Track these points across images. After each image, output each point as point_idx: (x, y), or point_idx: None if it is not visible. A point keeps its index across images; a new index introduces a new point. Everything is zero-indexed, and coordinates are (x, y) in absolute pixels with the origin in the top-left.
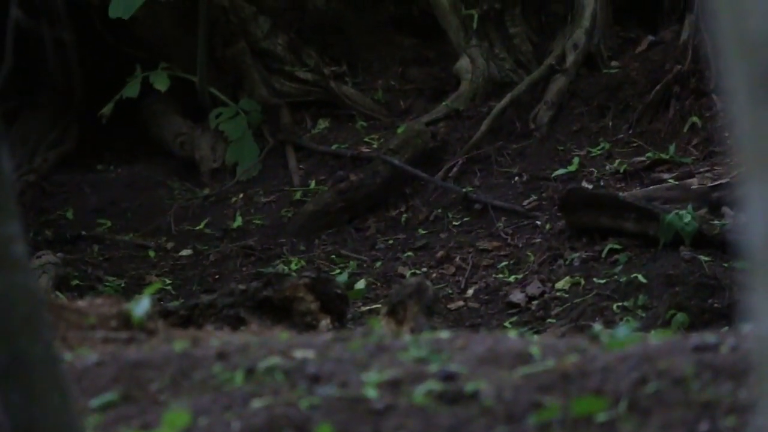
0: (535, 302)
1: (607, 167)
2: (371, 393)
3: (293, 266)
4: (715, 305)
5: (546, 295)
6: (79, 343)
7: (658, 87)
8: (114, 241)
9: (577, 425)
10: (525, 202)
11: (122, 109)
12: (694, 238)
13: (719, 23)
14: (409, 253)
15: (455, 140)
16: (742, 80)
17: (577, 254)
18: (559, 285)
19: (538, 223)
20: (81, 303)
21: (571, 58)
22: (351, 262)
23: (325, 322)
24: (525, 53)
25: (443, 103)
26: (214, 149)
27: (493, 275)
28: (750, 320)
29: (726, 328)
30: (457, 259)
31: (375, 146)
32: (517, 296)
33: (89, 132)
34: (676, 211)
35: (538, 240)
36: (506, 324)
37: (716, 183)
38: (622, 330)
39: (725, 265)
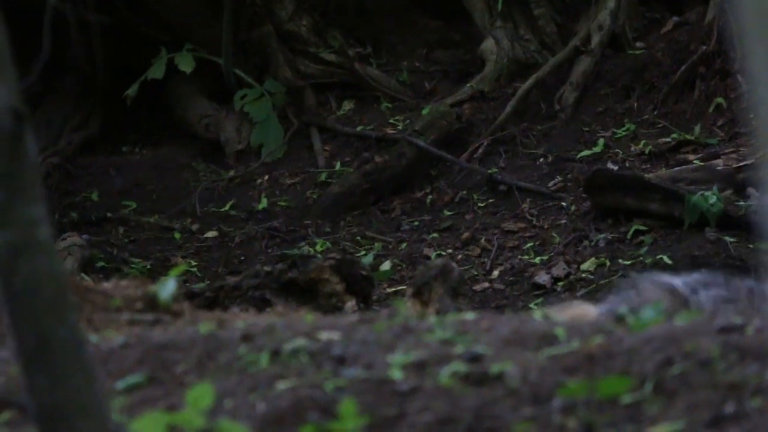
0: (560, 283)
1: (633, 148)
2: (397, 374)
3: (318, 248)
4: None
5: (571, 277)
6: (104, 325)
7: (683, 68)
8: (139, 222)
9: (603, 407)
10: (550, 184)
11: (147, 92)
12: (720, 219)
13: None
14: (435, 235)
15: (480, 122)
16: (764, 62)
17: (602, 235)
18: (584, 266)
19: (564, 204)
20: (106, 285)
21: (596, 39)
22: (376, 244)
23: (350, 303)
24: (550, 34)
25: (468, 85)
26: (239, 131)
27: (519, 256)
28: None
29: None
30: (483, 240)
31: (400, 128)
32: (542, 278)
33: (114, 114)
34: (702, 192)
35: (564, 221)
36: (531, 305)
37: (741, 164)
38: (648, 311)
39: (750, 246)
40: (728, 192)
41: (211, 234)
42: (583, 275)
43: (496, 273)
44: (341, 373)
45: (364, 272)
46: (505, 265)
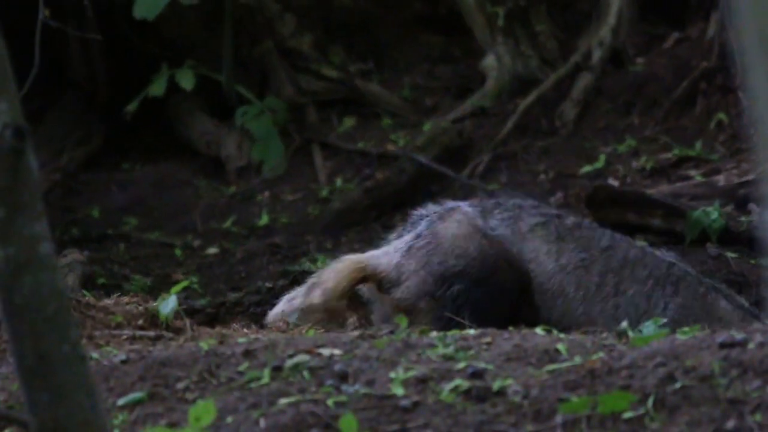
0: None
1: (634, 164)
2: (398, 390)
3: (320, 264)
4: None
5: None
6: (105, 342)
7: (684, 84)
8: (140, 239)
9: (604, 422)
10: (551, 200)
11: (148, 108)
12: (721, 235)
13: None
14: None
15: (481, 138)
16: (764, 79)
17: None
18: None
19: None
20: (107, 301)
21: (596, 55)
22: None
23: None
24: (551, 50)
25: (469, 101)
26: (240, 147)
27: None
28: None
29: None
30: None
31: (401, 144)
32: None
33: (115, 131)
34: (703, 207)
35: None
36: None
37: (743, 180)
38: (649, 327)
39: (752, 261)
40: (729, 208)
41: (212, 250)
42: None
43: None
44: (343, 389)
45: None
46: None
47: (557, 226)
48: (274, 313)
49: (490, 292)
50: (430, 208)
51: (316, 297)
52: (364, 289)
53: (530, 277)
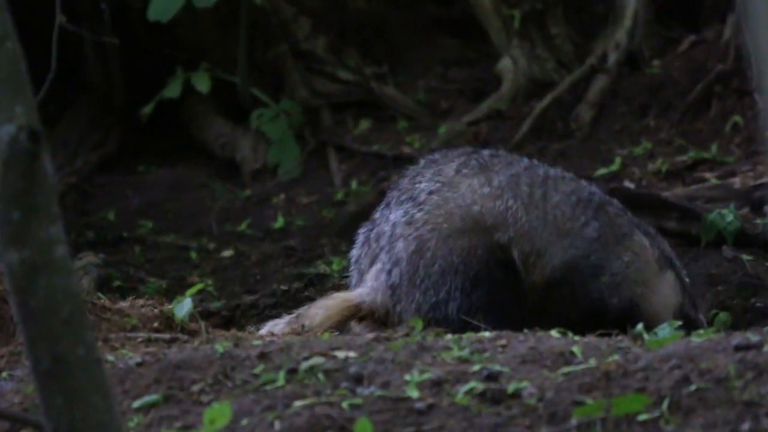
0: None
1: (649, 167)
2: (413, 393)
3: (335, 267)
4: (758, 304)
5: None
6: (121, 345)
7: (699, 86)
8: (156, 242)
9: (619, 425)
10: None
11: (163, 111)
12: (737, 238)
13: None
14: None
15: (497, 140)
16: None
17: None
18: None
19: None
20: (123, 304)
21: (612, 58)
22: None
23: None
24: (566, 53)
25: (485, 104)
26: (256, 150)
27: None
28: None
29: None
30: None
31: (416, 147)
32: None
33: (130, 134)
34: (719, 210)
35: None
36: None
37: (758, 182)
38: (664, 329)
39: (767, 263)
40: (745, 210)
41: (227, 253)
42: None
43: None
44: (358, 392)
45: None
46: None
47: (477, 159)
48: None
49: (487, 291)
50: (379, 218)
51: (299, 328)
52: (358, 329)
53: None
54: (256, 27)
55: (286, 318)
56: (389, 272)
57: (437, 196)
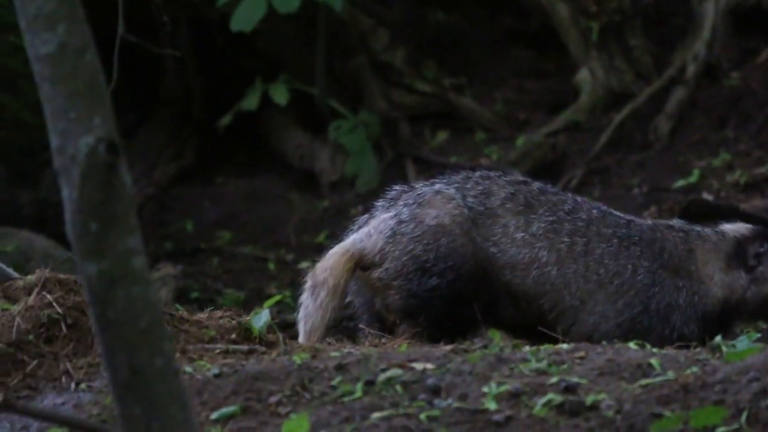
0: None
1: (728, 178)
2: (491, 405)
3: None
4: None
5: None
6: (199, 356)
7: None
8: (233, 253)
9: None
10: (645, 214)
11: (241, 122)
12: None
13: None
14: None
15: (575, 152)
16: None
17: None
18: None
19: None
20: (201, 315)
21: (691, 70)
22: None
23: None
24: (645, 65)
25: (563, 115)
26: (334, 162)
27: None
28: None
29: None
30: None
31: (494, 158)
32: None
33: (208, 145)
34: None
35: None
36: None
37: None
38: (743, 341)
39: None
40: None
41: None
42: None
43: None
44: (435, 404)
45: None
46: None
47: (525, 195)
48: (301, 333)
49: (466, 293)
50: (401, 189)
51: (325, 298)
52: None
53: (499, 270)
54: (334, 38)
55: (306, 294)
56: (392, 229)
57: (476, 211)
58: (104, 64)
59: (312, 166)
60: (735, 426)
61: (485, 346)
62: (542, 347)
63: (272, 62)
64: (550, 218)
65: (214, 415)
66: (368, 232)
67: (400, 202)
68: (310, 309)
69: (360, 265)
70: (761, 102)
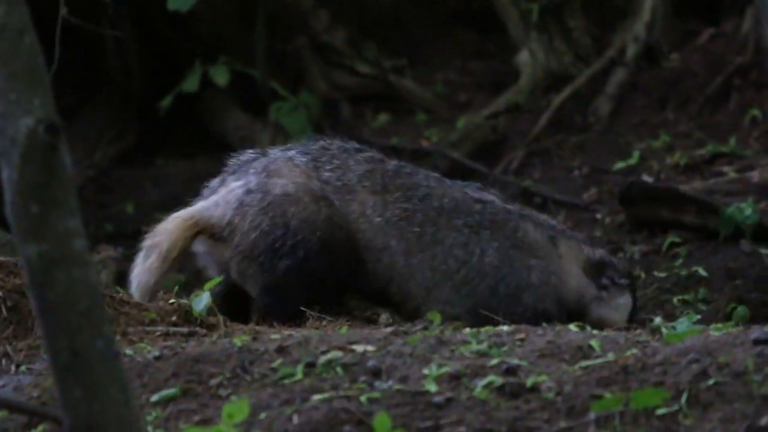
0: None
1: (668, 160)
2: (432, 387)
3: None
4: None
5: None
6: (139, 338)
7: (718, 79)
8: None
9: (638, 419)
10: (585, 196)
11: (182, 104)
12: (755, 231)
13: None
14: None
15: (515, 134)
16: None
17: (637, 247)
18: None
19: (598, 216)
20: None
21: (631, 51)
22: None
23: (385, 315)
24: (585, 46)
25: (503, 97)
26: (274, 143)
27: None
28: None
29: None
30: None
31: (435, 140)
32: None
33: (149, 127)
34: (737, 204)
35: (598, 233)
36: None
37: None
38: (683, 323)
39: None
40: (763, 204)
41: None
42: None
43: None
44: (376, 386)
45: None
46: None
47: (381, 175)
48: (132, 290)
49: (320, 267)
50: (255, 154)
51: (155, 261)
52: (197, 243)
53: (357, 240)
54: (274, 20)
55: (141, 254)
56: (239, 200)
57: (333, 186)
58: (44, 46)
59: (253, 147)
60: (675, 407)
61: (425, 328)
62: (482, 329)
63: (213, 44)
64: (404, 205)
65: (154, 398)
66: (216, 201)
67: (251, 170)
68: (139, 269)
69: (209, 234)
70: (701, 84)
